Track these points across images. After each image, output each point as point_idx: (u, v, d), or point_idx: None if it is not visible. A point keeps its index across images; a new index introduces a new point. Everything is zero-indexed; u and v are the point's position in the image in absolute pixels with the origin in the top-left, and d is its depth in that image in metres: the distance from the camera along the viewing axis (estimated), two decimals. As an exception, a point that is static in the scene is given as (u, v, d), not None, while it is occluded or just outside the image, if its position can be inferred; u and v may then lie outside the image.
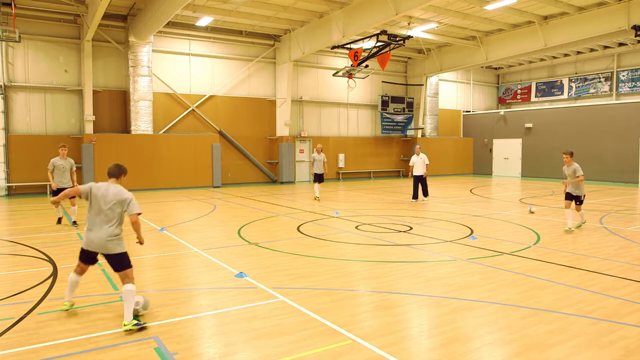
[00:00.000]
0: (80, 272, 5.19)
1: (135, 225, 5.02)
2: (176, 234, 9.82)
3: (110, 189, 5.03)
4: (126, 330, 4.58)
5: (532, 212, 12.77)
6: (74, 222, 11.04)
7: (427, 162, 15.74)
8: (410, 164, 16.02)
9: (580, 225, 10.43)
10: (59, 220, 11.15)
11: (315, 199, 16.01)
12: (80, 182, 18.75)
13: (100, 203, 4.97)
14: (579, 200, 10.22)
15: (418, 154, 15.86)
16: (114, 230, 4.95)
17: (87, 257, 5.13)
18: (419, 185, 15.78)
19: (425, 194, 15.97)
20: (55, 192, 11.04)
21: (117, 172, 5.21)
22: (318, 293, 5.85)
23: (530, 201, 15.56)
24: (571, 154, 10.42)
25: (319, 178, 16.36)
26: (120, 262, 4.95)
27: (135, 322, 4.64)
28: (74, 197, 9.93)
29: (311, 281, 6.38)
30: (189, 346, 4.33)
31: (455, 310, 5.22)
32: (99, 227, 4.93)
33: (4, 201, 16.31)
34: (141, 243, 5.18)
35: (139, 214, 5.02)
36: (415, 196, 15.84)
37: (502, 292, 5.85)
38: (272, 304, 5.42)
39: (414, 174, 15.78)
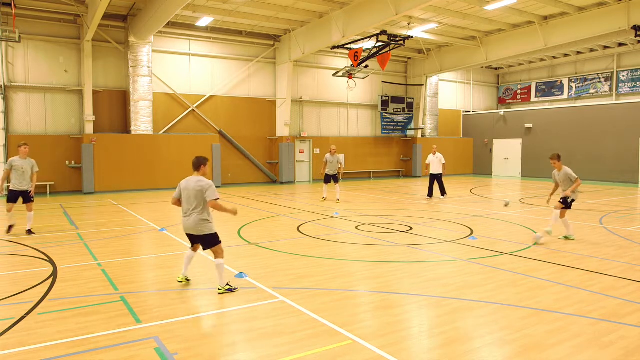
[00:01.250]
0: (194, 249, 6.25)
1: (217, 208, 5.77)
2: (176, 234, 9.82)
3: (191, 181, 5.92)
4: (220, 293, 5.76)
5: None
6: (29, 231, 9.87)
7: (443, 161, 16.21)
8: (427, 162, 16.42)
9: (569, 237, 9.18)
10: (10, 229, 9.92)
11: (323, 199, 15.79)
12: (80, 183, 18.78)
13: (184, 194, 5.94)
14: (567, 203, 9.14)
15: (434, 154, 16.30)
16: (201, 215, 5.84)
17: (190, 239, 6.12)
18: (435, 183, 16.23)
19: (443, 192, 16.24)
20: (12, 197, 9.84)
21: (196, 164, 6.02)
22: (318, 293, 5.85)
23: (530, 201, 15.57)
24: (558, 157, 9.35)
25: (330, 179, 15.86)
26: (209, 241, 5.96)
27: (227, 286, 5.81)
28: (31, 202, 9.90)
29: (311, 281, 6.38)
30: (189, 346, 4.33)
31: (455, 311, 5.22)
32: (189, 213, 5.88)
33: (4, 201, 16.30)
34: (234, 213, 5.93)
35: (217, 199, 5.75)
36: (430, 194, 16.25)
37: (502, 292, 5.85)
38: (272, 304, 5.42)
39: (431, 172, 16.22)
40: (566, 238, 9.11)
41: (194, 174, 6.01)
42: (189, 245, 6.26)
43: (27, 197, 9.95)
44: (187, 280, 6.21)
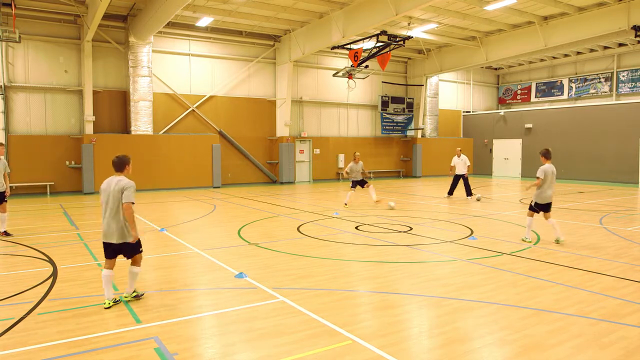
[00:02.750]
0: (111, 266, 5.53)
1: (128, 213, 5.30)
2: (176, 234, 9.82)
3: (112, 181, 5.46)
4: (127, 300, 5.48)
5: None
6: (5, 232, 9.70)
7: (468, 162, 16.56)
8: (452, 164, 16.80)
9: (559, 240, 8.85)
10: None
11: (345, 205, 14.72)
12: (80, 183, 18.79)
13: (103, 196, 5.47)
14: (531, 206, 8.96)
15: (459, 156, 16.59)
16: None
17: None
18: (458, 183, 16.58)
19: (469, 193, 16.38)
20: None
21: (119, 164, 5.54)
22: (318, 293, 5.85)
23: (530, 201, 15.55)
24: (543, 154, 8.82)
25: (356, 184, 14.83)
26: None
27: (135, 293, 5.53)
28: (4, 202, 9.72)
29: (311, 281, 6.38)
30: (189, 346, 4.32)
31: (455, 311, 5.22)
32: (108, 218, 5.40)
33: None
34: (134, 235, 5.38)
35: (132, 203, 5.34)
36: (450, 192, 16.72)
37: (502, 293, 5.85)
38: (272, 304, 5.42)
39: (456, 173, 16.59)
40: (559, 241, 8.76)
41: (115, 174, 5.51)
42: (108, 258, 5.47)
43: (1, 198, 9.61)
44: (116, 302, 5.40)
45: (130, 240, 5.36)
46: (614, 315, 5.06)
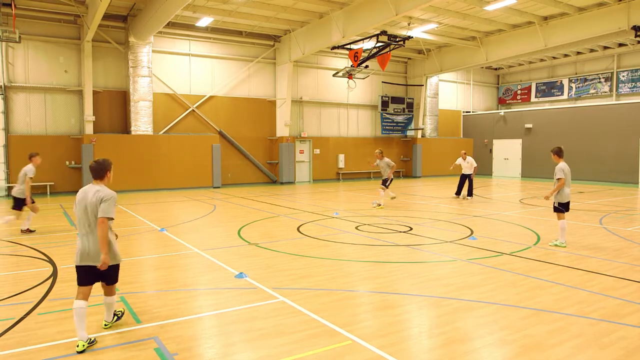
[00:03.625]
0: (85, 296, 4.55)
1: (103, 230, 4.37)
2: (176, 235, 9.82)
3: (89, 191, 4.59)
4: (106, 327, 4.71)
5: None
6: (27, 230, 10.18)
7: (474, 164, 16.54)
8: (457, 163, 16.85)
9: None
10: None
11: (392, 198, 15.11)
12: (80, 183, 18.76)
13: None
14: (555, 207, 8.67)
15: (464, 159, 16.54)
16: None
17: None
18: (465, 184, 16.47)
19: (470, 193, 16.41)
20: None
21: (98, 170, 4.67)
22: (318, 293, 5.85)
23: (530, 201, 15.56)
24: (556, 152, 8.58)
25: (386, 182, 14.58)
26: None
27: (115, 317, 4.81)
28: (22, 208, 9.98)
29: (311, 281, 6.38)
30: (189, 346, 4.33)
31: (455, 311, 5.22)
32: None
33: (4, 202, 16.30)
34: (105, 260, 4.41)
35: (111, 219, 4.44)
36: (458, 192, 16.63)
37: (502, 293, 5.85)
38: (272, 305, 5.42)
39: (462, 172, 16.52)
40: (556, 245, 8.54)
41: (92, 182, 4.66)
42: (83, 287, 4.53)
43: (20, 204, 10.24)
44: (91, 343, 4.32)
45: (101, 264, 4.40)
46: (614, 315, 5.06)
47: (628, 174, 22.84)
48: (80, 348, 4.18)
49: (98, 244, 4.38)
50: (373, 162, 15.23)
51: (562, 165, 8.45)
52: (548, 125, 26.41)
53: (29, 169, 9.97)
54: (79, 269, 4.50)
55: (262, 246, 8.64)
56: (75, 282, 4.56)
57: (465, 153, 16.82)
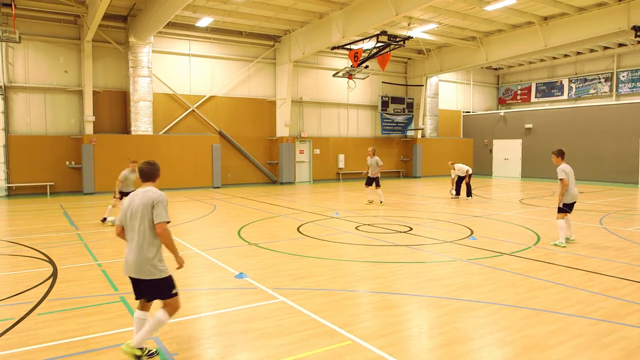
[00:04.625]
0: (145, 307, 4.19)
1: (165, 237, 4.04)
2: (176, 235, 9.82)
3: (137, 194, 4.13)
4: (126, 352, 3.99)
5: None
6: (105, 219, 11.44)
7: (464, 169, 16.40)
8: (453, 177, 16.96)
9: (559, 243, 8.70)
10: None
11: (380, 203, 14.83)
12: (80, 183, 18.78)
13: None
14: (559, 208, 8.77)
15: (453, 168, 16.65)
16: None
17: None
18: (462, 185, 16.52)
19: (458, 192, 16.55)
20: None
21: (149, 173, 4.27)
22: (318, 293, 5.85)
23: (530, 202, 15.57)
24: (556, 153, 8.75)
25: (370, 181, 15.09)
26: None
27: (139, 352, 3.96)
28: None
29: (311, 282, 6.38)
30: (189, 347, 4.33)
31: (455, 311, 5.22)
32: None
33: (4, 202, 16.31)
34: (180, 264, 4.20)
35: (168, 222, 4.08)
36: (457, 192, 16.70)
37: (502, 293, 5.85)
38: (272, 305, 5.42)
39: (458, 175, 16.63)
40: (555, 245, 8.61)
41: (142, 185, 4.20)
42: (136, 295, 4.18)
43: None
44: (151, 355, 4.04)
45: (179, 266, 4.15)
46: (614, 315, 5.06)
47: (628, 174, 22.83)
48: (131, 351, 3.92)
49: (138, 255, 3.96)
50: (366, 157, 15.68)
51: (563, 166, 8.56)
52: (548, 126, 26.41)
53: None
54: (130, 279, 4.09)
55: (262, 246, 8.64)
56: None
57: (451, 163, 16.89)
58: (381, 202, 14.88)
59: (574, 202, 8.74)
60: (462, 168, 16.44)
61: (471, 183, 16.75)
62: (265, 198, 17.04)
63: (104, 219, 11.37)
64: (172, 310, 4.06)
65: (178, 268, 4.17)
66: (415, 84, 27.79)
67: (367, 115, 27.04)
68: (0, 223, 11.70)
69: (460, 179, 16.56)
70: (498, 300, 5.55)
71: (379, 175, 15.09)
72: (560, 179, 8.47)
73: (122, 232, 4.09)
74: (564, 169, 8.52)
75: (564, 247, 8.47)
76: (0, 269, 7.38)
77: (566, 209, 8.63)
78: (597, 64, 27.01)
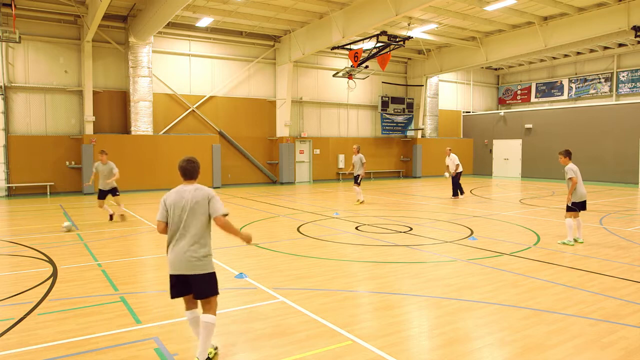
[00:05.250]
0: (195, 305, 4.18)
1: (228, 228, 4.01)
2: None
3: (186, 191, 4.07)
4: None
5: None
6: (111, 216, 11.77)
7: (455, 162, 16.37)
8: (446, 164, 16.84)
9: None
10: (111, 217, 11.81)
11: (357, 201, 14.94)
12: (80, 183, 18.78)
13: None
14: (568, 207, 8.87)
15: (448, 155, 16.63)
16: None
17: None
18: (458, 182, 16.51)
19: (454, 193, 16.45)
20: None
21: (191, 171, 4.15)
22: (318, 294, 5.85)
23: (530, 202, 15.57)
24: (564, 153, 8.86)
25: (356, 180, 15.11)
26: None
27: (215, 350, 4.03)
28: (103, 198, 11.18)
29: (311, 282, 6.38)
30: (189, 347, 4.32)
31: (455, 311, 5.22)
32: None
33: (4, 202, 16.31)
34: (248, 240, 4.18)
35: (227, 214, 4.04)
36: (454, 194, 16.57)
37: (503, 293, 5.85)
38: (272, 305, 5.42)
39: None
40: (563, 243, 8.74)
41: (185, 182, 4.12)
42: (183, 302, 4.16)
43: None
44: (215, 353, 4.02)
45: (248, 241, 4.17)
46: (614, 315, 5.06)
47: (628, 174, 22.84)
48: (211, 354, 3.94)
49: (191, 251, 3.90)
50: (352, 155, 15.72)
51: (571, 165, 8.69)
52: (548, 126, 26.41)
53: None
54: (174, 277, 4.04)
55: (262, 246, 8.64)
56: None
57: (450, 150, 16.88)
58: (358, 201, 14.93)
59: (584, 201, 8.78)
60: (454, 159, 16.37)
61: (469, 183, 16.72)
62: (265, 198, 17.03)
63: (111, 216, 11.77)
64: (215, 310, 4.03)
65: (248, 243, 4.24)
66: (415, 84, 27.79)
67: (367, 116, 27.04)
68: (0, 223, 11.71)
69: (453, 179, 16.41)
70: (498, 301, 5.55)
71: (360, 174, 15.06)
72: (570, 178, 8.58)
73: (165, 229, 4.04)
74: (572, 168, 8.64)
75: (572, 245, 8.55)
76: (0, 269, 7.38)
77: (575, 207, 8.72)
78: (597, 64, 27.01)
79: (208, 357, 3.91)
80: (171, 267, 4.00)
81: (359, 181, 15.05)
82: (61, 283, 6.31)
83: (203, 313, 3.97)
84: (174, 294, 4.08)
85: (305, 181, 24.74)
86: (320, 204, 15.32)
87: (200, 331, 3.92)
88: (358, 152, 15.15)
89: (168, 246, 4.02)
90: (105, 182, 11.45)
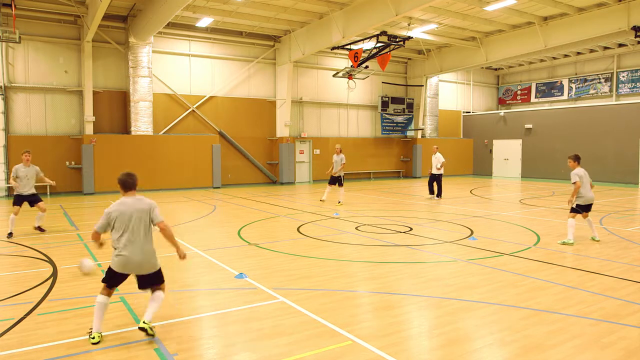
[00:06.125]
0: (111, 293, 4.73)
1: (168, 232, 4.71)
2: (176, 235, 9.76)
3: (131, 202, 4.66)
4: (143, 326, 4.44)
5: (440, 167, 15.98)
6: (39, 227, 10.25)
7: (441, 160, 16.38)
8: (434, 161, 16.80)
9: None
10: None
11: (338, 203, 14.95)
12: (80, 184, 18.79)
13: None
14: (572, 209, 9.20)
15: (434, 153, 16.64)
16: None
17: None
18: (439, 181, 16.44)
19: (431, 191, 16.46)
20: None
21: (131, 183, 4.72)
22: (318, 294, 5.85)
23: (530, 202, 15.56)
24: (572, 158, 9.19)
25: (334, 181, 15.18)
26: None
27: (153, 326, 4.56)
28: (37, 203, 10.00)
29: (311, 282, 6.38)
30: (189, 347, 4.33)
31: (455, 311, 5.22)
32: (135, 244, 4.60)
33: (4, 202, 16.31)
34: (182, 255, 4.83)
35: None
36: (439, 194, 16.55)
37: (503, 293, 5.85)
38: (272, 305, 5.42)
39: (431, 172, 16.64)
40: (593, 239, 9.09)
41: (126, 194, 4.66)
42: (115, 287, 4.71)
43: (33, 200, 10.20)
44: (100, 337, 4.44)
45: (182, 257, 4.85)
46: (614, 315, 5.06)
47: (628, 174, 22.84)
48: (97, 338, 4.40)
49: (146, 253, 4.61)
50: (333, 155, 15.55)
51: (577, 170, 8.93)
52: (548, 126, 26.41)
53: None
54: (119, 275, 4.64)
55: (262, 246, 8.64)
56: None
57: (437, 148, 16.86)
58: (339, 202, 14.93)
59: (590, 204, 9.09)
60: (439, 158, 16.32)
61: (469, 183, 16.73)
62: (265, 198, 17.04)
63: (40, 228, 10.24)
64: (164, 288, 4.83)
65: (182, 259, 4.85)
66: (415, 84, 27.79)
67: (367, 116, 27.04)
68: (1, 223, 11.70)
69: (433, 178, 16.36)
70: (498, 301, 5.55)
71: (342, 175, 15.14)
72: (573, 182, 8.85)
73: (98, 237, 4.68)
74: (577, 173, 8.89)
75: (572, 244, 8.67)
76: (0, 269, 7.38)
77: (579, 209, 8.99)
78: (597, 64, 27.01)
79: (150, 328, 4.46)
80: (127, 268, 4.63)
81: (342, 183, 15.19)
82: (61, 283, 6.31)
83: (157, 290, 4.75)
84: (111, 285, 4.68)
85: (306, 181, 24.74)
86: (320, 204, 15.31)
87: (150, 303, 4.62)
88: (340, 152, 15.26)
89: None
90: (25, 187, 10.05)
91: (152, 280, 4.72)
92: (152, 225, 4.67)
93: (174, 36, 20.90)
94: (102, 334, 4.50)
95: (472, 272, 6.86)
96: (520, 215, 12.60)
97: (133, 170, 4.95)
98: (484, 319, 5.00)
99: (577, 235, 9.75)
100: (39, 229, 10.24)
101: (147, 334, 4.42)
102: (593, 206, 9.45)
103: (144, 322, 4.44)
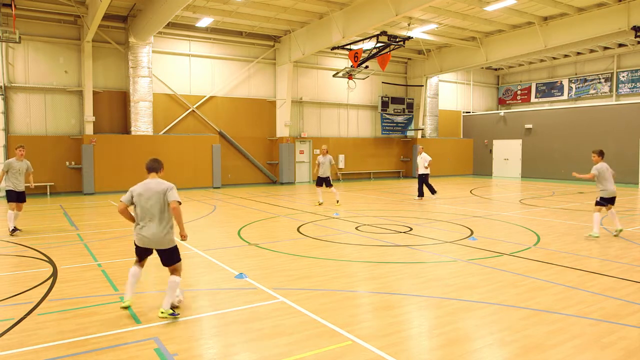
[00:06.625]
0: (142, 265, 5.41)
1: (177, 212, 5.10)
2: (176, 235, 9.80)
3: (151, 183, 5.20)
4: (161, 317, 4.92)
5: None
6: (14, 229, 9.92)
7: (427, 160, 16.24)
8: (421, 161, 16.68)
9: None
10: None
11: (319, 204, 14.82)
12: (80, 184, 18.79)
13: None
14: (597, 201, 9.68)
15: (420, 154, 16.50)
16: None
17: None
18: (427, 182, 16.42)
19: (420, 193, 16.37)
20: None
21: (155, 166, 5.34)
22: (318, 294, 5.85)
23: (530, 202, 15.56)
24: (597, 153, 9.67)
25: (321, 182, 14.96)
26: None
27: (171, 311, 4.98)
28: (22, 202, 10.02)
29: (311, 282, 6.38)
30: (189, 347, 4.32)
31: (455, 311, 5.22)
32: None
33: (4, 202, 16.30)
34: (183, 236, 5.26)
35: (180, 202, 5.14)
36: (433, 192, 16.55)
37: (502, 293, 5.85)
38: (272, 305, 5.42)
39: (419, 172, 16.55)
40: (619, 231, 9.46)
41: (149, 176, 5.27)
42: (137, 260, 5.33)
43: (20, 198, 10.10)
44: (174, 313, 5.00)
45: (183, 238, 5.29)
46: (614, 315, 5.06)
47: (628, 174, 22.83)
48: (127, 304, 5.18)
49: (159, 230, 5.08)
50: (317, 158, 15.23)
51: (598, 165, 9.45)
52: (548, 126, 26.41)
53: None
54: (140, 249, 5.26)
55: (262, 247, 8.64)
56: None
57: (422, 148, 16.79)
58: (337, 202, 14.75)
59: (614, 197, 9.51)
60: (425, 157, 16.23)
61: (469, 183, 16.71)
62: (265, 198, 17.03)
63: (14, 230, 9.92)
64: (179, 272, 5.25)
65: (182, 239, 5.28)
66: (415, 84, 27.80)
67: (367, 116, 27.04)
68: (0, 223, 11.70)
69: (421, 179, 16.30)
70: (498, 301, 5.55)
71: (329, 176, 14.85)
72: (591, 172, 9.43)
73: (125, 210, 5.18)
74: (597, 167, 9.40)
75: (597, 237, 9.23)
76: (0, 269, 7.38)
77: (603, 202, 9.44)
78: (597, 64, 27.01)
79: (172, 311, 4.98)
80: (142, 242, 5.24)
81: (330, 183, 14.90)
82: (61, 283, 6.31)
83: (172, 275, 5.17)
84: (140, 259, 5.36)
85: (305, 181, 24.74)
86: (320, 205, 15.30)
87: (167, 291, 5.07)
88: (327, 153, 15.04)
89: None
90: (17, 184, 9.93)
91: (167, 257, 5.18)
92: (167, 206, 5.09)
93: (174, 36, 20.90)
94: (129, 305, 5.14)
95: (472, 272, 6.86)
96: (520, 215, 12.60)
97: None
98: (484, 319, 5.00)
99: (577, 233, 9.76)
100: (15, 229, 9.92)
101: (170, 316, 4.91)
102: (591, 205, 9.59)
103: (161, 312, 4.93)
